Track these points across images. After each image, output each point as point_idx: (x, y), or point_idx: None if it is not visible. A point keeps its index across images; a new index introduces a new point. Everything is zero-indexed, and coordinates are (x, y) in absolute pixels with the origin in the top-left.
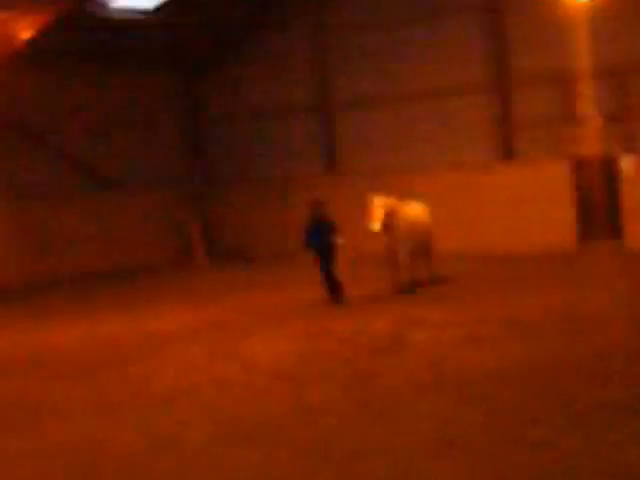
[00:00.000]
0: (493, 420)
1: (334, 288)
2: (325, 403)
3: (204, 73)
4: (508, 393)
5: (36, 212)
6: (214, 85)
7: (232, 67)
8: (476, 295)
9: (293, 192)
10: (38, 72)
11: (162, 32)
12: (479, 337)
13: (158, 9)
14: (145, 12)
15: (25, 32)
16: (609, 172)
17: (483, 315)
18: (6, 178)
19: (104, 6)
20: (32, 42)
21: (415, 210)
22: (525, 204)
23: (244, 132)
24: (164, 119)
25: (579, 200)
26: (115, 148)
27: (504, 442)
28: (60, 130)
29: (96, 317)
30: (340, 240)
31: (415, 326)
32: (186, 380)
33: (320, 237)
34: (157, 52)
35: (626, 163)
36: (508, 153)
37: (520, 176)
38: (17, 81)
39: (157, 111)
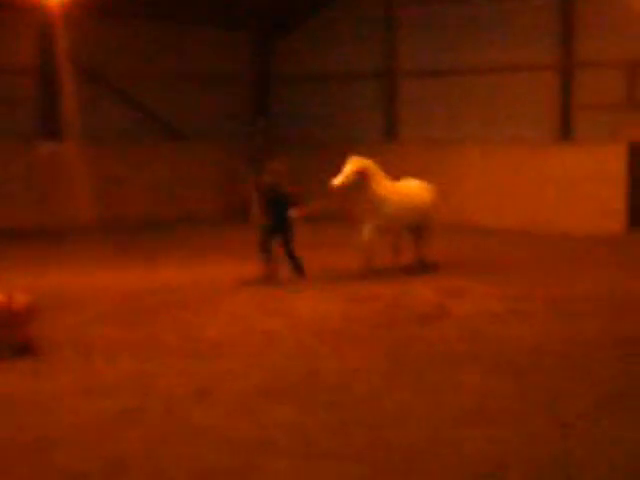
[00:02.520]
0: (525, 393)
1: (295, 263)
2: (364, 364)
3: (276, 34)
4: (544, 369)
5: (106, 157)
6: (284, 46)
7: (302, 30)
8: (521, 272)
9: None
10: (114, 20)
11: None
12: (520, 312)
13: None
14: None
15: None
16: None
17: (526, 291)
18: (79, 123)
19: None
20: None
21: (410, 187)
22: (577, 186)
23: (309, 94)
24: (233, 75)
25: (633, 187)
26: (184, 100)
27: (534, 415)
28: (134, 79)
29: (150, 263)
30: (294, 213)
31: (457, 297)
32: (234, 330)
33: (275, 210)
34: (232, 9)
35: None
36: (565, 134)
37: (575, 157)
38: (93, 28)
39: (228, 67)
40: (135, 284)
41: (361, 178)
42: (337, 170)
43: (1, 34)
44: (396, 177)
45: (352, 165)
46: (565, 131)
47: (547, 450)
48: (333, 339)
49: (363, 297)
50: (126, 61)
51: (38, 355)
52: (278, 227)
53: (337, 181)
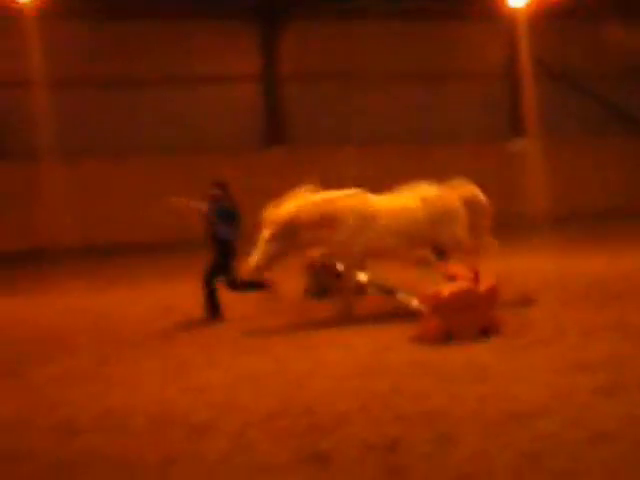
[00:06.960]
0: None
1: (247, 288)
2: None
3: None
4: None
5: (567, 153)
6: None
7: None
8: None
9: None
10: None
11: None
12: None
13: None
14: None
15: None
16: None
17: None
18: (543, 121)
19: None
20: None
21: (391, 203)
22: None
23: None
24: None
25: None
26: None
27: None
28: (595, 76)
29: (614, 251)
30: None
31: None
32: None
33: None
34: None
35: None
36: None
37: None
38: (554, 31)
39: None
40: (601, 270)
41: (291, 235)
42: None
43: (473, 44)
44: None
45: (265, 232)
46: None
47: None
48: None
49: None
50: (588, 59)
51: (503, 335)
52: (221, 247)
53: (252, 261)
